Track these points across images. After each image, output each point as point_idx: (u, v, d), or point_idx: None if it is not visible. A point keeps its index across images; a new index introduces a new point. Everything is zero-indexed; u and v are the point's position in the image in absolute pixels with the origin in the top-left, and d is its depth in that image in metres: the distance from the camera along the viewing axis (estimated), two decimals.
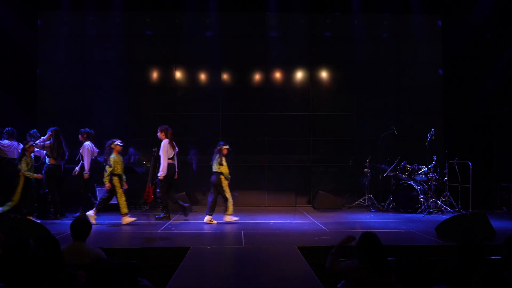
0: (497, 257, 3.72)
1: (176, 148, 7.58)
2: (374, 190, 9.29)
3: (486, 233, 5.72)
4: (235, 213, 8.25)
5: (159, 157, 9.04)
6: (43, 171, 7.47)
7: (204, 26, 10.18)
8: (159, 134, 7.47)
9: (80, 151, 7.65)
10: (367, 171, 9.13)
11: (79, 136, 7.79)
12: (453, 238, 5.56)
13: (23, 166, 7.03)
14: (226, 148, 7.36)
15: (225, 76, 10.26)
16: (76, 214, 7.49)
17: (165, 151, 7.31)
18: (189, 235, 6.23)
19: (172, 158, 7.46)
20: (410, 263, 2.72)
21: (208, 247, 5.32)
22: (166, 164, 7.28)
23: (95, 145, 7.93)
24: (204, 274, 4.29)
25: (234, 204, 7.41)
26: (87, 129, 7.85)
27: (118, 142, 7.11)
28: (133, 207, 9.01)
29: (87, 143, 7.64)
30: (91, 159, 7.68)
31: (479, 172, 8.82)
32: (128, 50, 10.12)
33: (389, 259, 3.27)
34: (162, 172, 7.25)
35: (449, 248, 5.19)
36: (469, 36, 9.45)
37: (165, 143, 7.36)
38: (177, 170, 7.59)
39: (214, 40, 10.05)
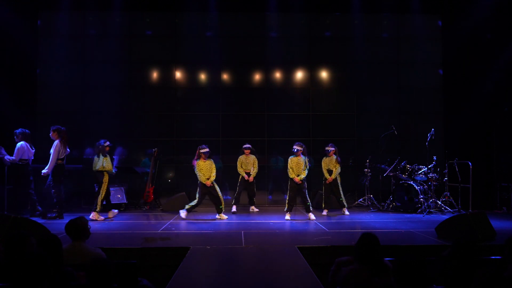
0: (497, 257, 3.72)
1: (68, 149, 7.67)
2: (374, 190, 9.30)
3: (486, 233, 5.72)
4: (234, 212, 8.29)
5: (159, 157, 9.09)
6: None
7: (204, 26, 10.19)
8: (51, 134, 7.51)
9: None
10: (367, 171, 9.13)
11: (15, 137, 7.66)
12: (453, 238, 5.55)
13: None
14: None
15: (225, 76, 10.26)
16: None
17: (57, 150, 7.40)
18: (189, 235, 6.24)
19: (62, 159, 7.55)
20: (409, 263, 2.71)
21: (208, 247, 5.31)
22: (54, 163, 7.38)
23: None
24: (204, 274, 4.29)
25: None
26: (23, 129, 7.69)
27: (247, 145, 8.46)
28: (133, 207, 9.03)
29: (20, 143, 7.55)
30: (31, 159, 7.70)
31: (479, 172, 8.81)
32: (128, 50, 10.12)
33: (388, 259, 3.26)
34: (47, 170, 7.36)
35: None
36: (469, 36, 9.45)
37: (57, 143, 7.44)
38: (65, 169, 7.69)
39: (214, 40, 10.05)
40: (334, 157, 8.30)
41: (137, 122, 10.03)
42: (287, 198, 7.76)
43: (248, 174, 8.35)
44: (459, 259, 2.92)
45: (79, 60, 10.00)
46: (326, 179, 8.25)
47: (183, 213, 7.61)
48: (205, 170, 7.64)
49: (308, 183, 7.94)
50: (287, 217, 7.65)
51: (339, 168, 8.28)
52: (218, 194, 7.63)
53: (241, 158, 8.56)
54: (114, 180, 9.22)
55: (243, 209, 8.70)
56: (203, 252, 5.08)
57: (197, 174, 7.64)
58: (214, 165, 7.73)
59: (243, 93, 10.23)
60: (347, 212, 8.18)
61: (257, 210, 8.53)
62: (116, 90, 9.89)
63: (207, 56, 10.01)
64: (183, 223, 7.29)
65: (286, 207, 7.74)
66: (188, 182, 9.68)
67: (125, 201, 8.90)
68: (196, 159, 7.72)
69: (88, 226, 3.75)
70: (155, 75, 10.26)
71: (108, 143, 7.70)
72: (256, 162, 8.39)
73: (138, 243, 5.50)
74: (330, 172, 8.28)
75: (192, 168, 7.88)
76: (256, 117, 10.16)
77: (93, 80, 9.90)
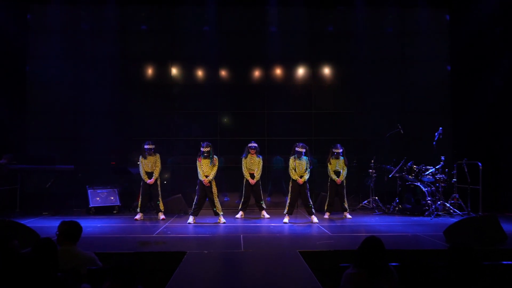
0: (509, 262, 3.69)
1: None
2: (379, 192, 9.27)
3: (497, 236, 5.68)
4: (232, 215, 8.26)
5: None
6: None
7: (202, 20, 10.15)
8: None
9: None
10: (371, 172, 9.10)
11: None
12: (462, 242, 5.52)
13: None
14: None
15: (223, 73, 10.23)
16: None
17: None
18: (186, 239, 6.21)
19: None
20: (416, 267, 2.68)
21: (205, 251, 5.29)
22: None
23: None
24: (201, 280, 4.26)
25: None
26: None
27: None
28: (127, 210, 9.00)
29: None
30: None
31: (489, 172, 8.78)
32: (123, 45, 10.09)
33: (392, 264, 3.24)
34: None
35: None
36: (478, 30, 9.41)
37: None
38: None
39: (212, 35, 10.02)
40: (342, 158, 8.25)
41: (132, 121, 10.00)
42: (288, 200, 7.74)
43: (253, 176, 8.25)
44: (457, 265, 2.89)
45: (71, 56, 9.94)
46: (333, 180, 8.18)
47: (191, 219, 7.56)
48: (205, 167, 7.60)
49: (310, 184, 7.92)
50: (286, 220, 7.60)
51: (346, 169, 8.25)
52: (213, 197, 7.57)
53: (246, 159, 8.15)
54: (108, 181, 9.22)
55: (247, 211, 8.55)
56: (200, 257, 5.04)
57: (198, 171, 7.62)
58: (216, 164, 7.65)
59: (242, 91, 10.20)
60: (349, 216, 8.13)
61: (268, 216, 8.18)
62: (110, 87, 9.86)
63: (205, 52, 9.98)
64: (179, 226, 7.26)
65: (286, 210, 7.71)
66: (185, 184, 9.65)
67: (118, 203, 8.88)
68: (199, 156, 7.66)
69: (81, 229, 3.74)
70: (150, 71, 10.23)
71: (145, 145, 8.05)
72: (261, 163, 8.24)
73: (132, 248, 5.48)
74: (336, 173, 8.23)
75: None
76: (255, 116, 10.14)
77: (86, 77, 9.87)
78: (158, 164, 8.11)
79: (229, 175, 9.83)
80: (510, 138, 9.40)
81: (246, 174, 8.14)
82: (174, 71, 10.21)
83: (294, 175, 7.68)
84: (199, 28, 10.15)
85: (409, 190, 8.56)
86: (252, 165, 8.14)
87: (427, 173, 8.55)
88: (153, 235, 6.40)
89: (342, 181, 8.18)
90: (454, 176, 8.64)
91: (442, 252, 5.29)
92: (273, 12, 10.17)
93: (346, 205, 8.20)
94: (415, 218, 8.05)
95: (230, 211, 8.71)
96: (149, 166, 8.05)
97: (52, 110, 9.80)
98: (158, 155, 8.17)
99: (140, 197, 8.04)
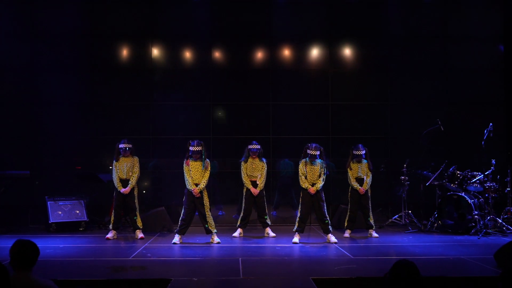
0: None
1: None
2: (414, 204, 9.29)
3: None
4: (229, 233, 8.28)
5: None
6: None
7: None
8: None
9: None
10: (404, 180, 9.11)
11: None
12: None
13: None
14: None
15: (217, 55, 10.25)
16: None
17: None
18: (170, 263, 6.26)
19: None
20: None
21: (194, 279, 5.31)
22: None
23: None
24: None
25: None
26: None
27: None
28: (96, 227, 9.03)
29: None
30: None
31: None
32: (90, 20, 10.10)
33: None
34: None
35: None
36: None
37: None
38: None
39: (203, 7, 10.05)
40: (365, 162, 8.28)
41: (102, 115, 10.01)
42: (298, 215, 7.77)
43: (255, 184, 8.24)
44: None
45: (26, 33, 9.98)
46: (355, 190, 8.22)
47: (176, 238, 7.56)
48: (195, 172, 7.58)
49: (326, 195, 7.93)
50: (296, 239, 7.64)
51: (371, 176, 8.27)
52: (204, 210, 7.58)
53: (246, 163, 8.23)
54: (72, 191, 9.24)
55: (248, 228, 8.58)
56: (188, 286, 5.07)
57: (185, 178, 7.61)
58: (208, 169, 7.66)
59: (241, 77, 10.23)
60: (375, 235, 8.16)
61: (273, 234, 8.23)
62: (75, 73, 9.88)
63: (194, 29, 10.00)
64: (162, 247, 7.30)
65: (295, 226, 7.73)
66: (169, 193, 9.67)
67: (85, 218, 8.90)
68: (187, 158, 7.63)
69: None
70: (125, 53, 10.26)
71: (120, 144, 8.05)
72: (265, 168, 8.26)
73: (103, 274, 5.49)
74: (359, 181, 8.26)
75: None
76: (257, 108, 10.16)
77: (44, 60, 9.87)
78: (136, 169, 8.11)
79: (225, 183, 9.85)
80: None
81: (247, 182, 8.18)
82: (155, 52, 10.24)
83: (304, 183, 7.70)
84: None
85: (451, 202, 8.56)
86: (254, 171, 8.17)
87: (473, 180, 8.57)
88: (129, 259, 6.43)
89: (366, 191, 8.20)
90: (508, 185, 8.65)
91: (492, 280, 5.30)
92: None
93: (371, 221, 8.22)
94: (459, 237, 8.08)
95: (226, 228, 8.74)
96: (125, 171, 8.05)
97: (4, 101, 9.81)
98: (136, 158, 8.17)
99: (113, 210, 8.05)
